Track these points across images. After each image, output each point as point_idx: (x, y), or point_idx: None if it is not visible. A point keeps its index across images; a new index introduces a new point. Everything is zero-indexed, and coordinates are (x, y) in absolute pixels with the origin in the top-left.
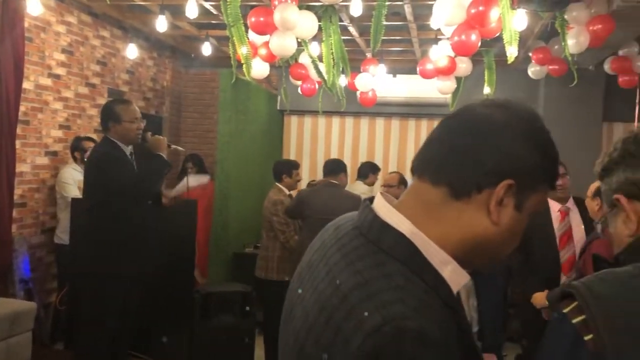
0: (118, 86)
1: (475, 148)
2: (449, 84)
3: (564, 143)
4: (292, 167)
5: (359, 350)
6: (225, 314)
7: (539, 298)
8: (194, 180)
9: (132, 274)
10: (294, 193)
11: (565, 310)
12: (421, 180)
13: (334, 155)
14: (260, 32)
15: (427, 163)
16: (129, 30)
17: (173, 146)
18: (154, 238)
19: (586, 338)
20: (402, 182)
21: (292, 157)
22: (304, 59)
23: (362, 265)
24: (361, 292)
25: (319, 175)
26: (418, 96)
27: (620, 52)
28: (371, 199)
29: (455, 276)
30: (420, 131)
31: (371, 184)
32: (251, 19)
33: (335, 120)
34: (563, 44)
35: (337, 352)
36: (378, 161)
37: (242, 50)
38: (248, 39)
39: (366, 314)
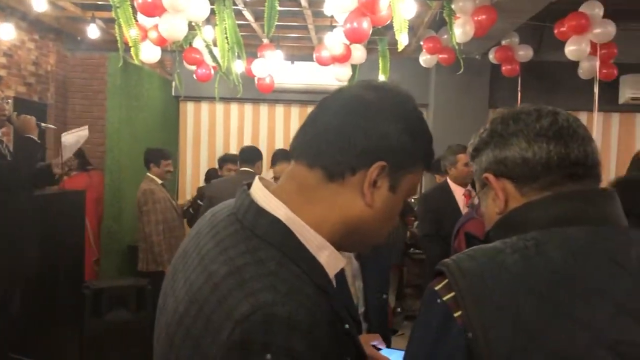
0: None
1: (348, 130)
2: (345, 71)
3: (454, 128)
4: (161, 156)
5: (228, 339)
6: (119, 309)
7: None
8: (71, 138)
9: (10, 269)
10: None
11: (436, 288)
12: (298, 163)
13: (233, 142)
14: (149, 14)
15: (302, 146)
16: (4, 9)
17: (44, 125)
18: (34, 230)
19: (456, 314)
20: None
21: (189, 144)
22: (198, 43)
23: (234, 252)
24: (232, 281)
25: (215, 164)
26: (316, 83)
27: (503, 42)
28: (249, 184)
29: (332, 260)
30: None
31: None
32: (138, 0)
33: (234, 107)
34: (450, 33)
35: (208, 343)
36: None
37: (130, 33)
38: (136, 21)
39: (235, 302)
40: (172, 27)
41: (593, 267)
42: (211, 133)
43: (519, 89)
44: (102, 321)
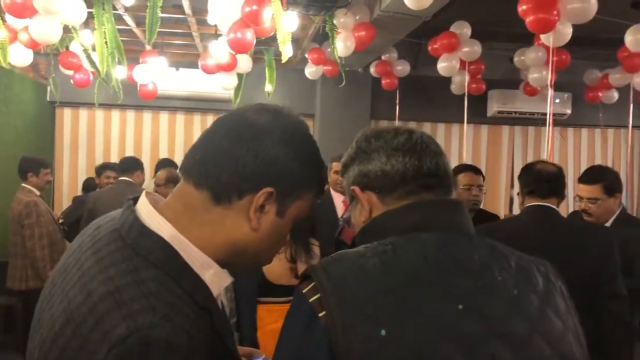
0: None
1: (237, 153)
2: (231, 80)
3: (338, 139)
4: (40, 165)
5: None
6: None
7: None
8: None
9: None
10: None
11: (304, 290)
12: (186, 182)
13: (114, 150)
14: (18, 15)
15: (192, 165)
16: None
17: None
18: None
19: (320, 315)
20: (170, 180)
21: (67, 153)
22: (75, 46)
23: (115, 271)
24: (111, 301)
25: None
26: (202, 91)
27: (383, 57)
28: (135, 199)
29: (217, 279)
30: (206, 127)
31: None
32: (6, 0)
33: (115, 114)
34: (332, 47)
35: None
36: (163, 157)
37: None
38: (5, 21)
39: (112, 324)
40: (45, 30)
41: (441, 268)
42: (90, 141)
43: (397, 101)
44: None
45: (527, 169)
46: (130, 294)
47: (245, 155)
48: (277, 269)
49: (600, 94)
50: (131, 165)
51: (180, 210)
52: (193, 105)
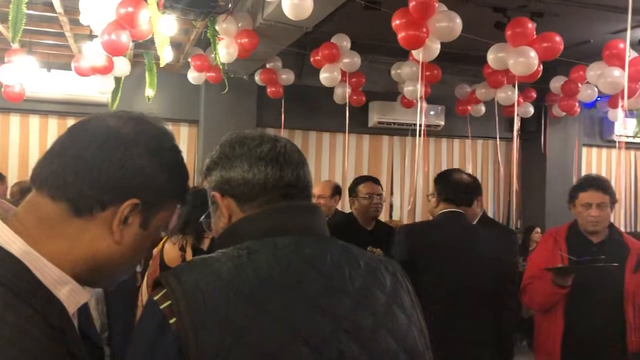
0: None
1: (100, 163)
2: (108, 83)
3: None
4: None
5: None
6: None
7: None
8: None
9: None
10: None
11: (155, 298)
12: (39, 193)
13: None
14: None
15: (46, 175)
16: None
17: None
18: None
19: (171, 321)
20: (26, 192)
21: None
22: None
23: None
24: None
25: None
26: (77, 94)
27: (268, 65)
28: None
29: (74, 296)
30: None
31: None
32: None
33: None
34: (215, 53)
35: None
36: (33, 164)
37: None
38: None
39: None
40: None
41: (293, 270)
42: None
43: (282, 110)
44: None
45: (446, 178)
46: None
47: (109, 165)
48: (171, 254)
49: (469, 107)
50: None
51: (33, 223)
52: (67, 109)
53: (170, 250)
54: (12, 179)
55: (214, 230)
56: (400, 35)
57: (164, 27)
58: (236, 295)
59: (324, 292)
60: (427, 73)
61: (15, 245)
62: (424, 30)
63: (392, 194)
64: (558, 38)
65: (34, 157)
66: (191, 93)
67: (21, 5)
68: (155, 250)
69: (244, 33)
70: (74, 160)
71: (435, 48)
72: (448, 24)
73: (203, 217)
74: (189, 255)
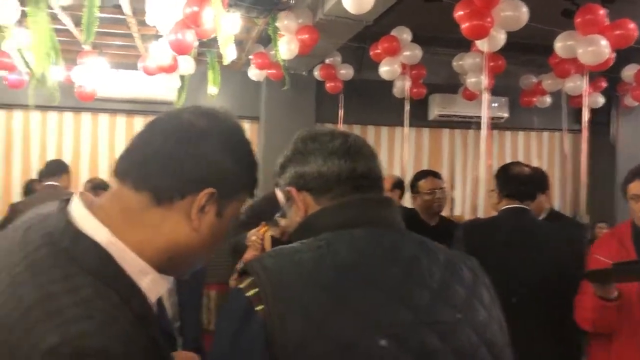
0: None
1: (178, 155)
2: (173, 82)
3: (282, 142)
4: None
5: None
6: None
7: None
8: None
9: None
10: None
11: (241, 286)
12: (123, 184)
13: (50, 154)
14: None
15: (129, 167)
16: None
17: None
18: None
19: (257, 308)
20: (97, 187)
21: (0, 157)
22: (8, 46)
23: (47, 277)
24: (42, 309)
25: (31, 176)
26: (144, 93)
27: (327, 61)
28: (68, 200)
29: (154, 285)
30: None
31: None
32: None
33: (52, 116)
34: (276, 50)
35: None
36: (103, 161)
37: None
38: None
39: (44, 333)
40: None
41: (371, 262)
42: (25, 144)
43: (341, 105)
44: None
45: (505, 172)
46: (63, 302)
47: (188, 157)
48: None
49: (534, 99)
50: (56, 168)
51: (117, 213)
52: (134, 107)
53: (270, 239)
54: (83, 175)
55: (290, 225)
56: (464, 25)
57: (228, 26)
58: (317, 285)
59: (403, 284)
60: (491, 64)
61: (102, 235)
62: (489, 20)
63: (453, 188)
64: (632, 25)
65: (103, 154)
66: (252, 90)
67: (93, 9)
68: (254, 231)
69: (305, 29)
70: (154, 153)
71: (501, 38)
72: (514, 13)
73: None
74: None
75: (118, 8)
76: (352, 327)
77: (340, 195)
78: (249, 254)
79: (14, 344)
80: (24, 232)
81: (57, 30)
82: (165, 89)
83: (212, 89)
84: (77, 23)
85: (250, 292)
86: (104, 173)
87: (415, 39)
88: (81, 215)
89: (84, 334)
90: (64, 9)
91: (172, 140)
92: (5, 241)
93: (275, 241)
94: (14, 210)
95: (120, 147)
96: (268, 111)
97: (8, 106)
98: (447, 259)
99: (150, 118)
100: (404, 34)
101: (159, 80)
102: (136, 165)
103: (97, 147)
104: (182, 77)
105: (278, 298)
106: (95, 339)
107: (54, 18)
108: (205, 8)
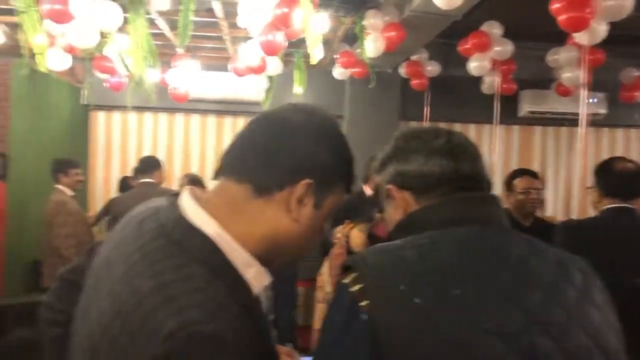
0: None
1: (274, 147)
2: (261, 82)
3: (366, 140)
4: (68, 165)
5: (153, 356)
6: (24, 327)
7: None
8: None
9: None
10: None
11: (345, 281)
12: (227, 178)
13: (146, 153)
14: (57, 21)
15: (231, 162)
16: None
17: None
18: None
19: (362, 304)
20: (193, 182)
21: (100, 155)
22: (109, 51)
23: (161, 267)
24: (158, 296)
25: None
26: (233, 93)
27: (413, 58)
28: (177, 194)
29: (258, 277)
30: (236, 129)
31: None
32: (45, 6)
33: (148, 117)
34: (362, 48)
35: (133, 358)
36: (195, 159)
37: (35, 40)
38: (43, 27)
39: (161, 319)
40: (82, 35)
41: (479, 260)
42: (123, 143)
43: (427, 102)
44: (7, 339)
45: (606, 168)
46: (178, 290)
47: (285, 149)
48: (357, 241)
49: (636, 94)
50: (149, 165)
51: (222, 205)
52: (224, 107)
53: (357, 237)
54: (176, 172)
55: (388, 223)
56: (561, 17)
57: (317, 26)
58: (422, 282)
59: (513, 283)
60: (590, 57)
61: (211, 228)
62: (589, 10)
63: (544, 188)
64: None
65: (195, 153)
66: (336, 89)
67: (189, 13)
68: (340, 228)
69: (391, 26)
70: (252, 146)
71: (601, 30)
72: (616, 3)
73: (376, 211)
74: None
75: (210, 11)
76: (462, 325)
77: (442, 195)
78: (335, 252)
79: (133, 329)
80: (137, 224)
81: (153, 35)
82: (253, 90)
83: (298, 89)
84: (172, 27)
85: (355, 288)
86: (195, 170)
87: (505, 34)
88: (191, 209)
89: (198, 320)
90: (161, 14)
91: (269, 135)
92: (120, 233)
93: (373, 238)
94: (113, 205)
95: (211, 146)
96: (352, 109)
97: (108, 107)
98: (557, 259)
99: (239, 118)
100: (495, 29)
101: (247, 81)
102: (237, 160)
103: (189, 145)
104: (269, 78)
105: (383, 294)
106: (208, 325)
107: (151, 23)
108: (295, 9)
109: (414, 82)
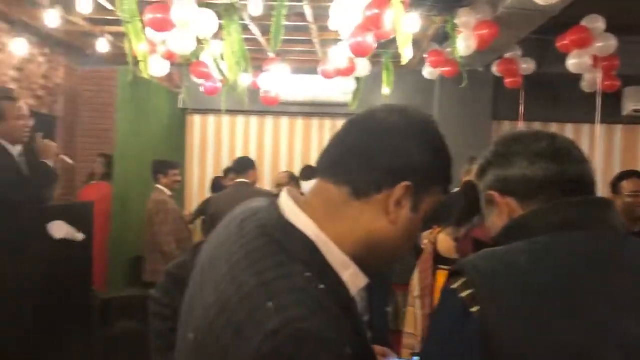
0: (5, 83)
1: (375, 150)
2: (349, 84)
3: (457, 141)
4: (168, 166)
5: (258, 352)
6: (128, 319)
7: None
8: (59, 230)
9: (21, 284)
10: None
11: (453, 286)
12: (324, 180)
13: (238, 154)
14: (158, 30)
15: (330, 164)
16: (17, 24)
17: (62, 156)
18: (44, 243)
19: (472, 310)
20: (292, 179)
21: (196, 157)
22: (205, 57)
23: (264, 265)
24: (262, 293)
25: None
26: (321, 96)
27: (506, 55)
28: (276, 195)
29: (354, 279)
30: (323, 131)
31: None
32: (148, 16)
33: (240, 120)
34: (453, 47)
35: (237, 352)
36: (283, 161)
37: (139, 48)
38: (146, 36)
39: (265, 315)
40: (181, 42)
41: (596, 268)
42: (217, 145)
43: (521, 101)
44: (111, 331)
45: None
46: (280, 287)
47: (384, 151)
48: (445, 245)
49: None
50: (244, 165)
51: (320, 207)
52: (311, 110)
53: (444, 241)
54: (266, 173)
55: (493, 229)
56: None
57: (407, 26)
58: (535, 289)
59: (632, 292)
60: None
61: (310, 228)
62: None
63: None
64: None
65: (284, 154)
66: (425, 88)
67: (281, 18)
68: (427, 233)
69: (484, 24)
70: (351, 149)
71: None
72: None
73: (475, 217)
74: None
75: (300, 15)
76: (580, 335)
77: (547, 200)
78: (423, 257)
79: (238, 324)
80: (239, 224)
81: (245, 40)
82: (341, 92)
83: (386, 90)
84: (264, 32)
85: (465, 293)
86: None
87: (608, 28)
88: (291, 210)
89: (301, 318)
90: (254, 19)
91: (367, 137)
92: (223, 232)
93: (478, 244)
94: (209, 204)
95: (299, 148)
96: (442, 110)
97: (203, 111)
98: None
99: (326, 120)
100: (597, 23)
101: (335, 83)
102: (335, 162)
103: (278, 147)
104: (357, 79)
105: (494, 300)
106: (310, 323)
107: (244, 29)
108: (385, 10)
109: (508, 81)
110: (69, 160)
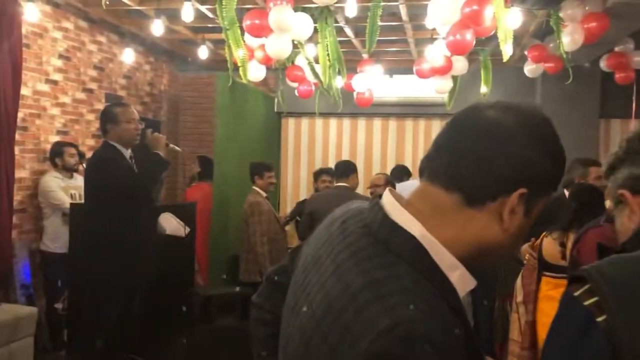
0: (115, 91)
1: (490, 156)
2: (446, 83)
3: (563, 140)
4: (263, 168)
5: (367, 351)
6: (226, 316)
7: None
8: (168, 222)
9: (135, 279)
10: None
11: (576, 294)
12: (432, 184)
13: (331, 156)
14: (256, 35)
15: (438, 168)
16: (126, 35)
17: (171, 145)
18: (154, 242)
19: (599, 319)
20: (388, 182)
21: (290, 159)
22: (300, 60)
23: (370, 265)
24: (370, 293)
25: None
26: (414, 96)
27: (616, 49)
28: (380, 196)
29: (463, 281)
30: (417, 131)
31: None
32: (247, 22)
33: (333, 122)
34: (558, 41)
35: (345, 352)
36: (376, 162)
37: (239, 53)
38: (244, 41)
39: (375, 315)
40: (278, 47)
41: None
42: (311, 147)
43: (633, 97)
44: (210, 327)
45: None
46: (388, 288)
47: (500, 157)
48: (550, 250)
49: None
50: (346, 169)
51: (428, 210)
52: (405, 110)
53: (550, 246)
54: (360, 175)
55: (621, 232)
56: None
57: (509, 21)
58: None
59: None
60: None
61: (416, 229)
62: None
63: None
64: None
65: (376, 155)
66: (525, 86)
67: (376, 18)
68: (526, 247)
69: (592, 16)
70: (464, 153)
71: None
72: None
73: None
74: (568, 251)
75: (393, 15)
76: None
77: None
78: (528, 263)
79: (346, 324)
80: (341, 223)
81: (340, 42)
82: (436, 91)
83: (484, 88)
84: (358, 34)
85: (589, 301)
86: (376, 172)
87: None
88: (395, 210)
89: (412, 319)
90: (348, 21)
91: (481, 140)
92: (325, 232)
93: (603, 249)
94: (306, 204)
95: (392, 149)
96: (545, 108)
97: (298, 114)
98: None
99: (420, 120)
100: None
101: (430, 83)
102: (446, 166)
103: (371, 148)
104: (454, 78)
105: (625, 309)
106: (421, 324)
107: (338, 31)
108: (485, 6)
109: (618, 76)
110: (177, 148)
